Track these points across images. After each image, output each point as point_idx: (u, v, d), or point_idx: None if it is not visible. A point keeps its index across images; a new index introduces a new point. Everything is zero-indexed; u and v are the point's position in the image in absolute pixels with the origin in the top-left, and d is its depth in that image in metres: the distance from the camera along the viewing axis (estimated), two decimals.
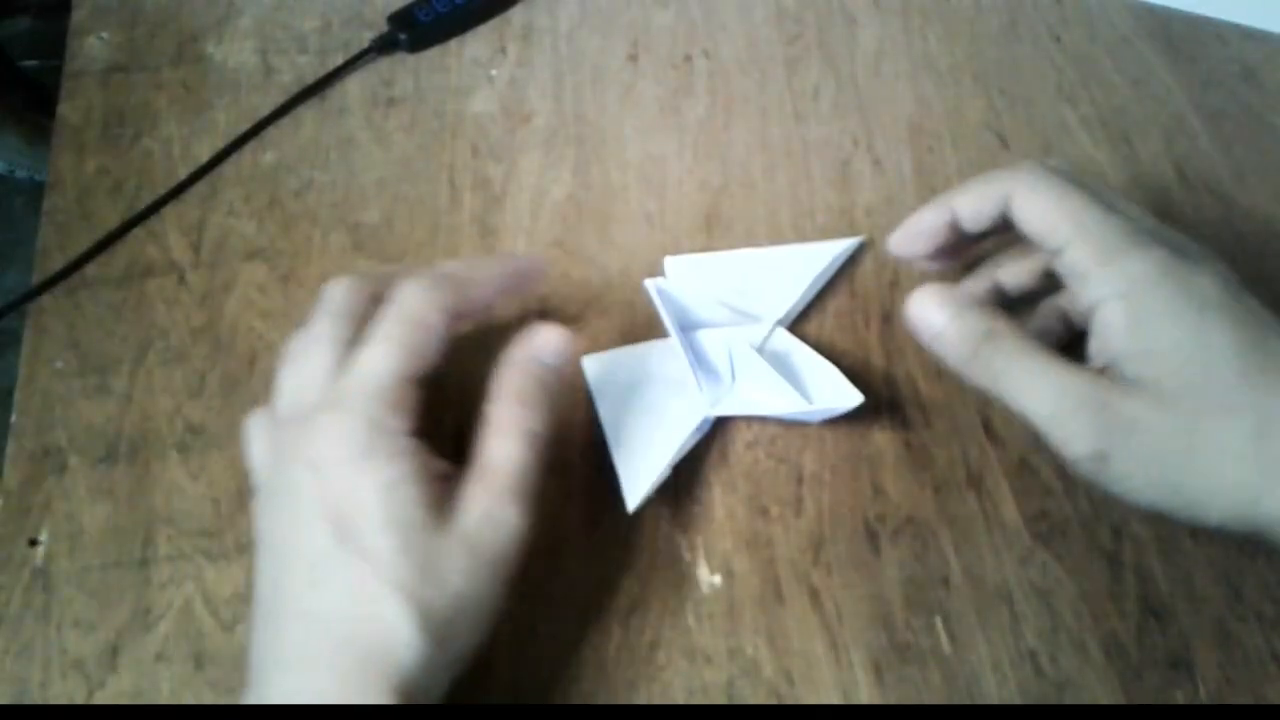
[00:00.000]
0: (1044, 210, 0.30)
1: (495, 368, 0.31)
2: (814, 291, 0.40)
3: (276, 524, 0.29)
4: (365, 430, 0.28)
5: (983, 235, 0.34)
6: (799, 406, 0.35)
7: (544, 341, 0.31)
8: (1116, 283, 0.29)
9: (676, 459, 0.35)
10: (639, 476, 0.35)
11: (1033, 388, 0.29)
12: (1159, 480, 0.28)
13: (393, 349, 0.29)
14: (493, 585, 0.28)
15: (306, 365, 0.30)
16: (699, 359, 0.38)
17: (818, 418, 0.37)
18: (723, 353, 0.38)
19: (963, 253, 0.36)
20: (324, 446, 0.28)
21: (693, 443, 0.36)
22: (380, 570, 0.27)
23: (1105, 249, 0.29)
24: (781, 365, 0.37)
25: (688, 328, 0.38)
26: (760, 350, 0.38)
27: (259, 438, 0.32)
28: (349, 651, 0.27)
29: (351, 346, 0.30)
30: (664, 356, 0.37)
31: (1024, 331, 0.30)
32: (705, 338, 0.38)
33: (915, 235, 0.34)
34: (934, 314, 0.31)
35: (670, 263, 0.40)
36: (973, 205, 0.32)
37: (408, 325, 0.29)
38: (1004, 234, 0.33)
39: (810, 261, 0.40)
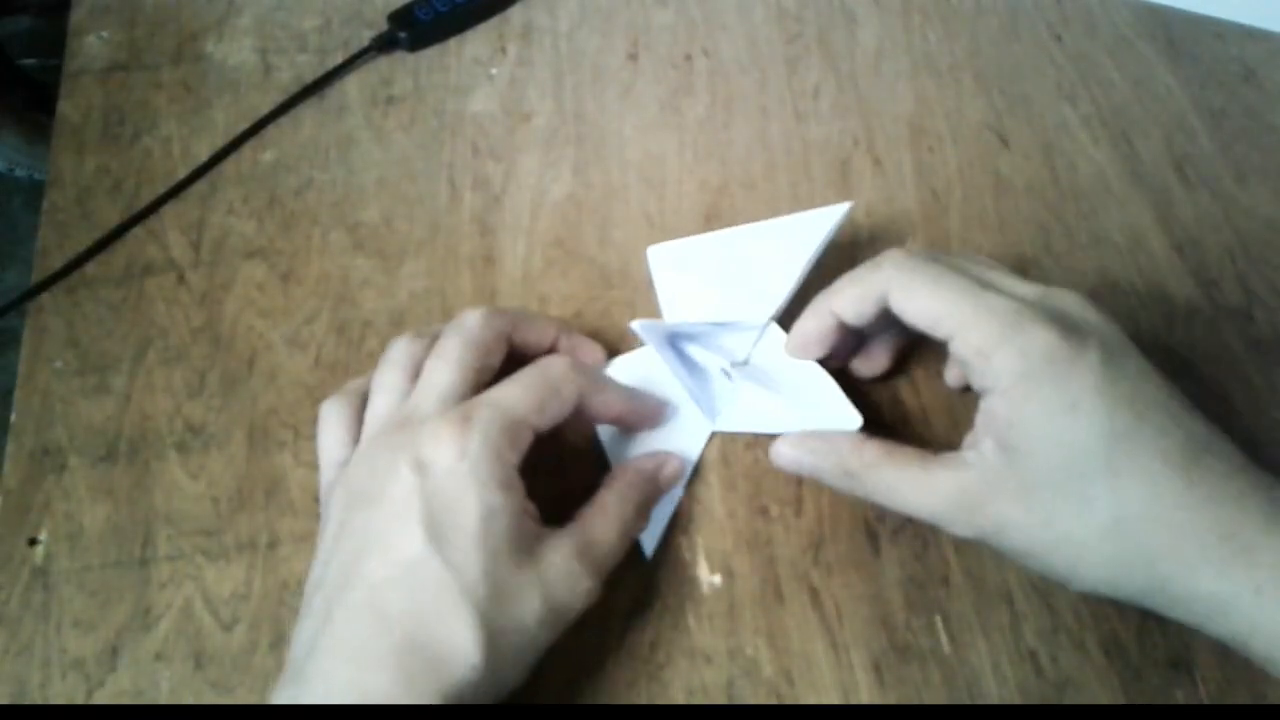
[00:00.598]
0: (923, 306, 0.31)
1: (624, 462, 0.35)
2: (809, 268, 0.38)
3: (366, 514, 0.29)
4: (484, 452, 0.29)
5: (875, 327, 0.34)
6: (795, 429, 0.34)
7: (673, 472, 0.35)
8: (999, 376, 0.29)
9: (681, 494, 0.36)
10: (651, 525, 0.35)
11: (910, 499, 0.31)
12: (1032, 559, 0.30)
13: (527, 395, 0.31)
14: (549, 635, 0.29)
15: (431, 376, 0.32)
16: (696, 382, 0.37)
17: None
18: (719, 376, 0.37)
19: (867, 341, 0.37)
20: (435, 452, 0.29)
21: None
22: (463, 586, 0.28)
23: (987, 340, 0.30)
24: (779, 377, 0.36)
25: (683, 339, 0.38)
26: (754, 355, 0.37)
27: (338, 423, 0.33)
28: (412, 656, 0.27)
29: (478, 374, 0.32)
30: (661, 374, 0.37)
31: (886, 448, 0.32)
32: (700, 356, 0.38)
33: (806, 343, 0.35)
34: (799, 461, 0.33)
35: (654, 252, 0.40)
36: (852, 307, 0.33)
37: (543, 382, 0.31)
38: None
39: (801, 235, 0.38)
